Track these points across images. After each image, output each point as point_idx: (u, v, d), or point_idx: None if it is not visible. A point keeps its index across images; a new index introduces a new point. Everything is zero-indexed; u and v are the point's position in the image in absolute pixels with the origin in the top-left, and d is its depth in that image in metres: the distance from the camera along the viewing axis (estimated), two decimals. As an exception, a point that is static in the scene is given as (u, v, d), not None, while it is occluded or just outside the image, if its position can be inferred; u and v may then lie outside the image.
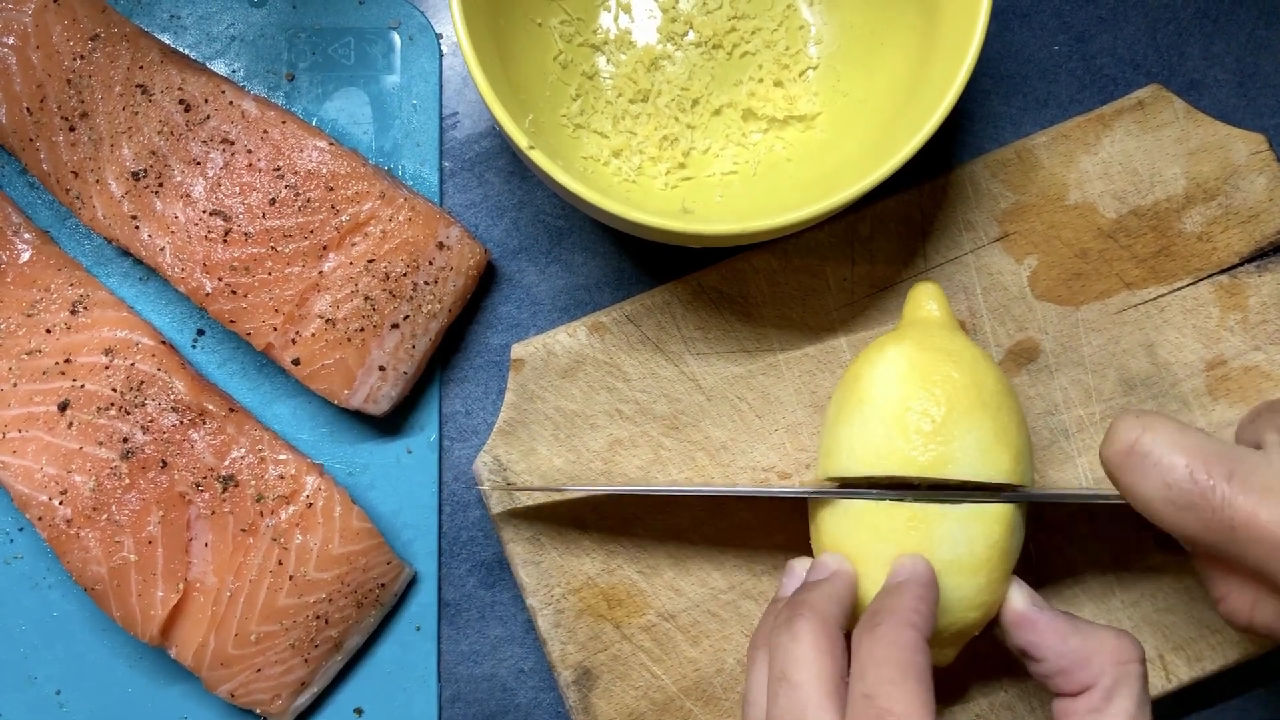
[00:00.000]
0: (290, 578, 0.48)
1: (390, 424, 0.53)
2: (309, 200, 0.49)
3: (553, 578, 0.50)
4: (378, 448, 0.53)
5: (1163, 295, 0.51)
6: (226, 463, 0.49)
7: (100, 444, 0.48)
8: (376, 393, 0.50)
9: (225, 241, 0.49)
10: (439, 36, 0.54)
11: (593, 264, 0.54)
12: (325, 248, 0.49)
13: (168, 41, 0.53)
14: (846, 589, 0.41)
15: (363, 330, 0.49)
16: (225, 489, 0.49)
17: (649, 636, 0.50)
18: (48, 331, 0.50)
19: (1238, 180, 0.51)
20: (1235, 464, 0.36)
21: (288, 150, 0.49)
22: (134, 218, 0.49)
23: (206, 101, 0.50)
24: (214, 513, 0.49)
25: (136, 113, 0.50)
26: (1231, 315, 0.50)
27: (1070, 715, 0.39)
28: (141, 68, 0.50)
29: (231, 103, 0.50)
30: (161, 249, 0.49)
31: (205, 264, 0.49)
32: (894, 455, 0.42)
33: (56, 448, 0.48)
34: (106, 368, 0.49)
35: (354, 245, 0.49)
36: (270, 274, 0.49)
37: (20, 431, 0.49)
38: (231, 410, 0.50)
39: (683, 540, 0.50)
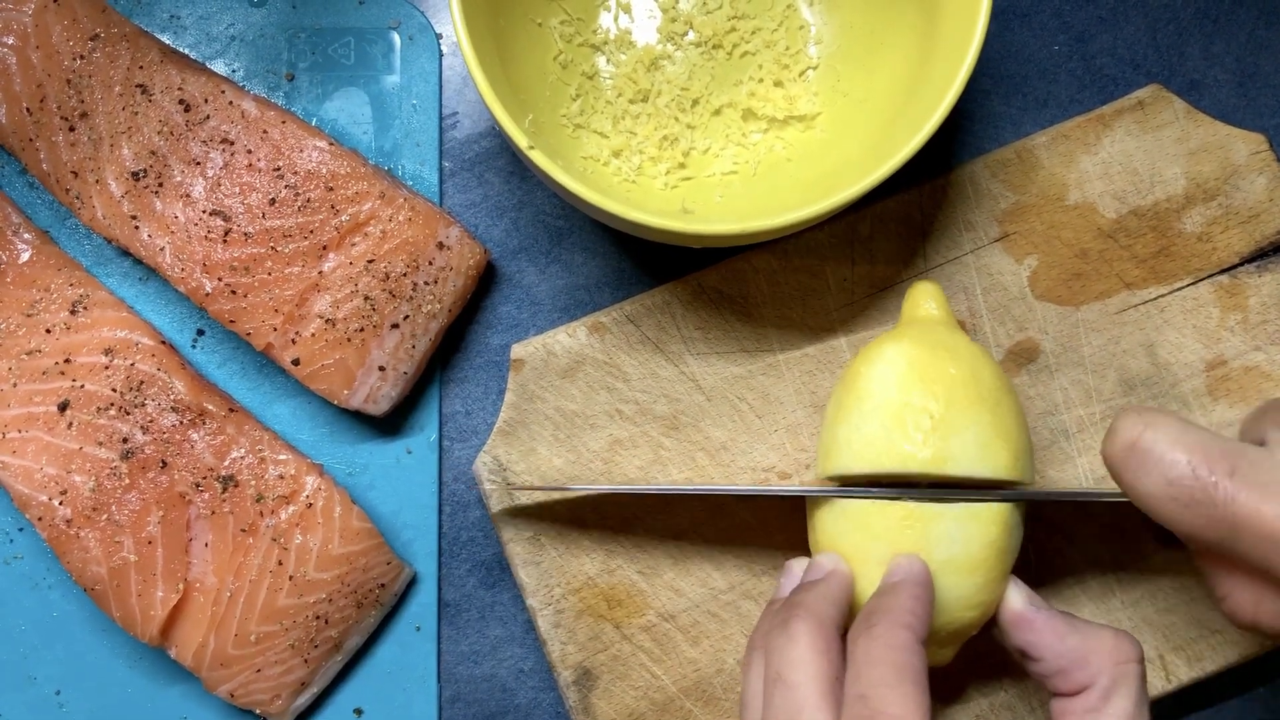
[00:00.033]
0: (290, 578, 0.48)
1: (390, 424, 0.53)
2: (309, 200, 0.49)
3: (553, 578, 0.50)
4: (378, 448, 0.53)
5: (1163, 295, 0.51)
6: (226, 463, 0.49)
7: (100, 444, 0.48)
8: (376, 393, 0.50)
9: (225, 241, 0.49)
10: (439, 36, 0.54)
11: (593, 264, 0.54)
12: (325, 248, 0.49)
13: (168, 41, 0.53)
14: (842, 589, 0.41)
15: (363, 330, 0.49)
16: (225, 489, 0.49)
17: (649, 636, 0.50)
18: (47, 331, 0.50)
19: (1238, 180, 0.51)
20: (1237, 460, 0.36)
21: (288, 150, 0.49)
22: (134, 218, 0.49)
23: (206, 101, 0.50)
24: (214, 513, 0.49)
25: (136, 113, 0.50)
26: (1232, 315, 0.50)
27: (1068, 715, 0.39)
28: (141, 68, 0.50)
29: (231, 103, 0.50)
30: (161, 249, 0.49)
31: (205, 264, 0.49)
32: (893, 452, 0.42)
33: (56, 448, 0.48)
34: (106, 368, 0.49)
35: (354, 245, 0.49)
36: (270, 274, 0.49)
37: (20, 431, 0.49)
38: (231, 410, 0.50)
39: (683, 540, 0.50)
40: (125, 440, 0.48)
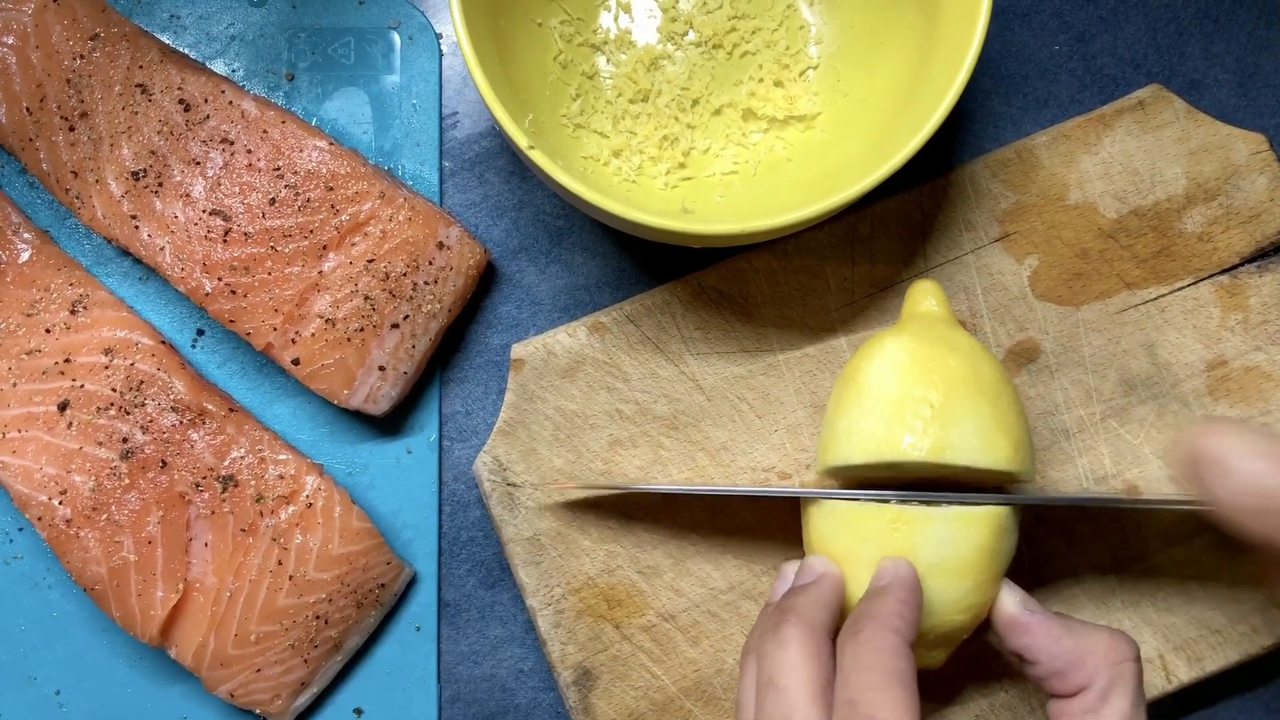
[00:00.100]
0: (290, 578, 0.48)
1: (390, 424, 0.53)
2: (309, 200, 0.49)
3: (553, 578, 0.50)
4: (378, 448, 0.53)
5: (1163, 295, 0.51)
6: (226, 463, 0.49)
7: (100, 444, 0.48)
8: (376, 393, 0.50)
9: (225, 241, 0.49)
10: (439, 36, 0.54)
11: (593, 264, 0.54)
12: (325, 247, 0.49)
13: (167, 41, 0.53)
14: (833, 593, 0.41)
15: (363, 330, 0.49)
16: (225, 489, 0.49)
17: (649, 637, 0.50)
18: (47, 331, 0.50)
19: (1238, 180, 0.51)
20: None
21: (288, 150, 0.49)
22: (134, 217, 0.49)
23: (206, 101, 0.50)
24: (214, 513, 0.49)
25: (136, 112, 0.50)
26: (1232, 315, 0.50)
27: (1066, 716, 0.39)
28: (141, 67, 0.50)
29: (231, 102, 0.50)
30: (161, 249, 0.49)
31: (205, 264, 0.49)
32: (893, 442, 0.42)
33: (56, 448, 0.48)
34: (106, 368, 0.49)
35: (354, 245, 0.49)
36: (270, 274, 0.49)
37: (20, 431, 0.49)
38: (231, 410, 0.50)
39: (683, 540, 0.50)
40: (125, 440, 0.48)
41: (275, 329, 0.49)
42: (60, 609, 0.52)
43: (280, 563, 0.48)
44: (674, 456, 0.50)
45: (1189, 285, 0.51)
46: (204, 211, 0.49)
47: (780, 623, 0.39)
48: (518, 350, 0.50)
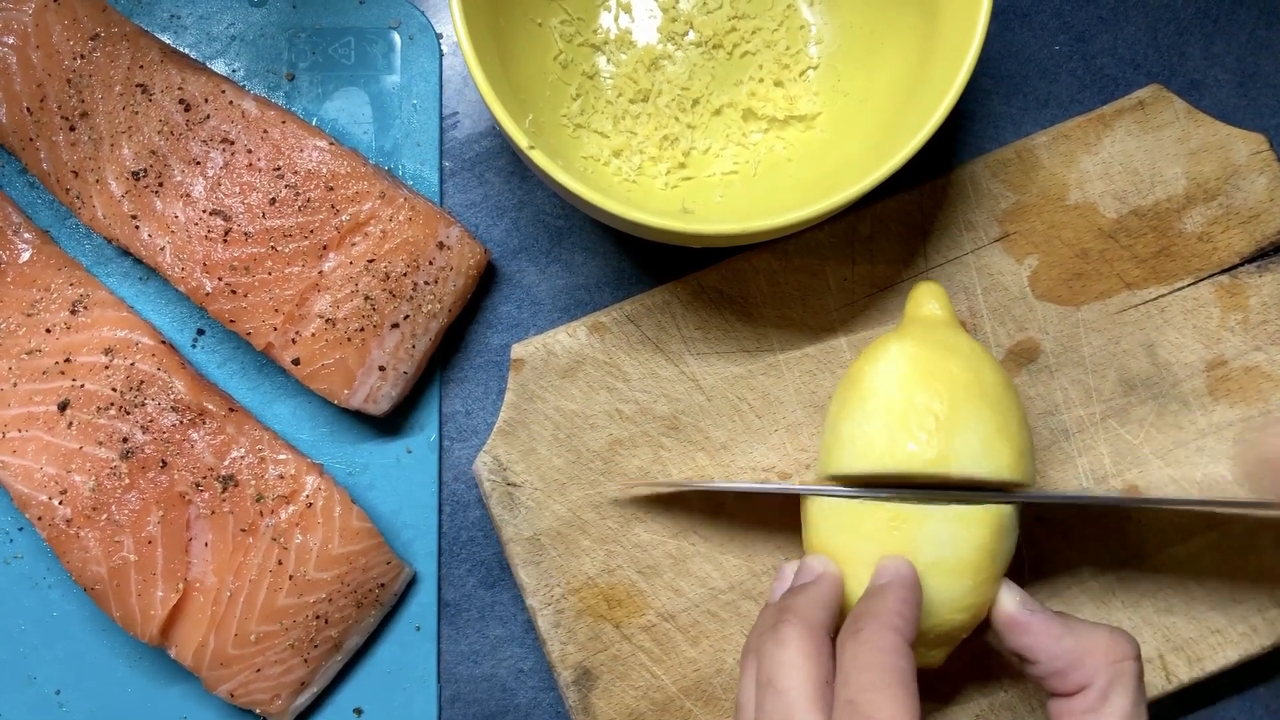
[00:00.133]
0: (290, 578, 0.48)
1: (390, 424, 0.53)
2: (309, 200, 0.49)
3: (553, 578, 0.50)
4: (378, 448, 0.53)
5: (1163, 295, 0.51)
6: (226, 463, 0.49)
7: (100, 444, 0.48)
8: (376, 393, 0.50)
9: (225, 241, 0.49)
10: (439, 36, 0.54)
11: (593, 264, 0.54)
12: (325, 247, 0.49)
13: (168, 41, 0.53)
14: (832, 592, 0.41)
15: (363, 330, 0.49)
16: (225, 489, 0.49)
17: (649, 636, 0.50)
18: (47, 331, 0.50)
19: (1238, 180, 0.51)
20: None
21: (288, 150, 0.49)
22: (134, 217, 0.49)
23: (206, 101, 0.50)
24: (214, 513, 0.49)
25: (136, 112, 0.50)
26: (1232, 315, 0.50)
27: (1066, 716, 0.39)
28: (141, 67, 0.50)
29: (231, 102, 0.50)
30: (161, 249, 0.49)
31: (205, 264, 0.49)
32: (897, 452, 0.42)
33: (56, 447, 0.48)
34: (106, 367, 0.49)
35: (354, 245, 0.49)
36: (270, 274, 0.49)
37: (20, 431, 0.49)
38: (231, 410, 0.50)
39: (683, 540, 0.50)
40: (125, 440, 0.48)
41: (275, 329, 0.49)
42: (60, 609, 0.52)
43: (280, 562, 0.48)
44: (674, 456, 0.50)
45: (1189, 285, 0.51)
46: (204, 211, 0.49)
47: (779, 623, 0.39)
48: (518, 350, 0.50)
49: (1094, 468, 0.50)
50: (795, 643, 0.38)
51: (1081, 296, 0.51)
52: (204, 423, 0.49)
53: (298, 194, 0.49)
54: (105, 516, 0.48)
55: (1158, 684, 0.49)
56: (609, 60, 0.52)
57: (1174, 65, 0.54)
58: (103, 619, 0.52)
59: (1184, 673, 0.49)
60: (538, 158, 0.42)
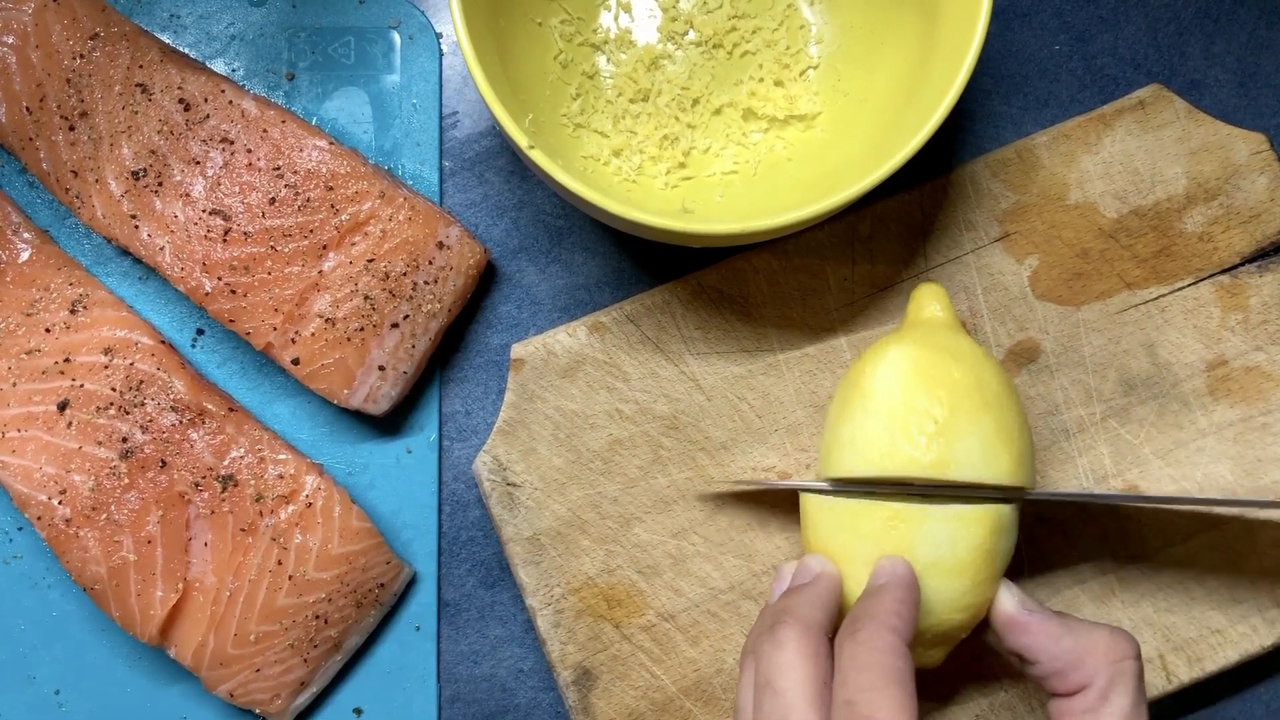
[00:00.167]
0: (290, 577, 0.48)
1: (390, 424, 0.53)
2: (309, 200, 0.49)
3: (552, 578, 0.50)
4: (378, 447, 0.53)
5: (1164, 295, 0.51)
6: (226, 462, 0.49)
7: (99, 443, 0.48)
8: (376, 392, 0.50)
9: (225, 241, 0.49)
10: (439, 36, 0.54)
11: (593, 264, 0.54)
12: (325, 247, 0.49)
13: (167, 40, 0.53)
14: (830, 592, 0.41)
15: (362, 330, 0.49)
16: (225, 489, 0.49)
17: (649, 636, 0.50)
18: (47, 331, 0.50)
19: (1239, 180, 0.51)
20: None
21: (287, 150, 0.49)
22: (133, 217, 0.49)
23: (206, 101, 0.50)
24: (213, 512, 0.49)
25: (136, 112, 0.50)
26: (1233, 315, 0.50)
27: (1067, 715, 0.39)
28: (141, 67, 0.50)
29: (231, 102, 0.50)
30: (161, 248, 0.49)
31: (205, 263, 0.49)
32: (896, 455, 0.42)
33: (56, 447, 0.48)
34: (106, 367, 0.49)
35: (354, 245, 0.49)
36: (270, 273, 0.49)
37: (19, 431, 0.49)
38: (231, 410, 0.50)
39: (682, 540, 0.50)
40: (125, 440, 0.48)
41: (275, 328, 0.49)
42: (60, 608, 0.52)
43: (280, 562, 0.48)
44: (674, 456, 0.50)
45: (1189, 285, 0.51)
46: (204, 211, 0.49)
47: (776, 624, 0.39)
48: (518, 350, 0.50)
49: (1094, 468, 0.50)
50: (793, 644, 0.38)
51: (1082, 296, 0.51)
52: (203, 422, 0.49)
53: (297, 194, 0.49)
54: (105, 516, 0.48)
55: (1158, 684, 0.49)
56: (609, 60, 0.52)
57: (1174, 65, 0.54)
58: (102, 619, 0.52)
59: (1184, 673, 0.49)
60: (538, 157, 0.42)
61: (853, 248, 0.51)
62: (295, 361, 0.49)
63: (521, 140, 0.42)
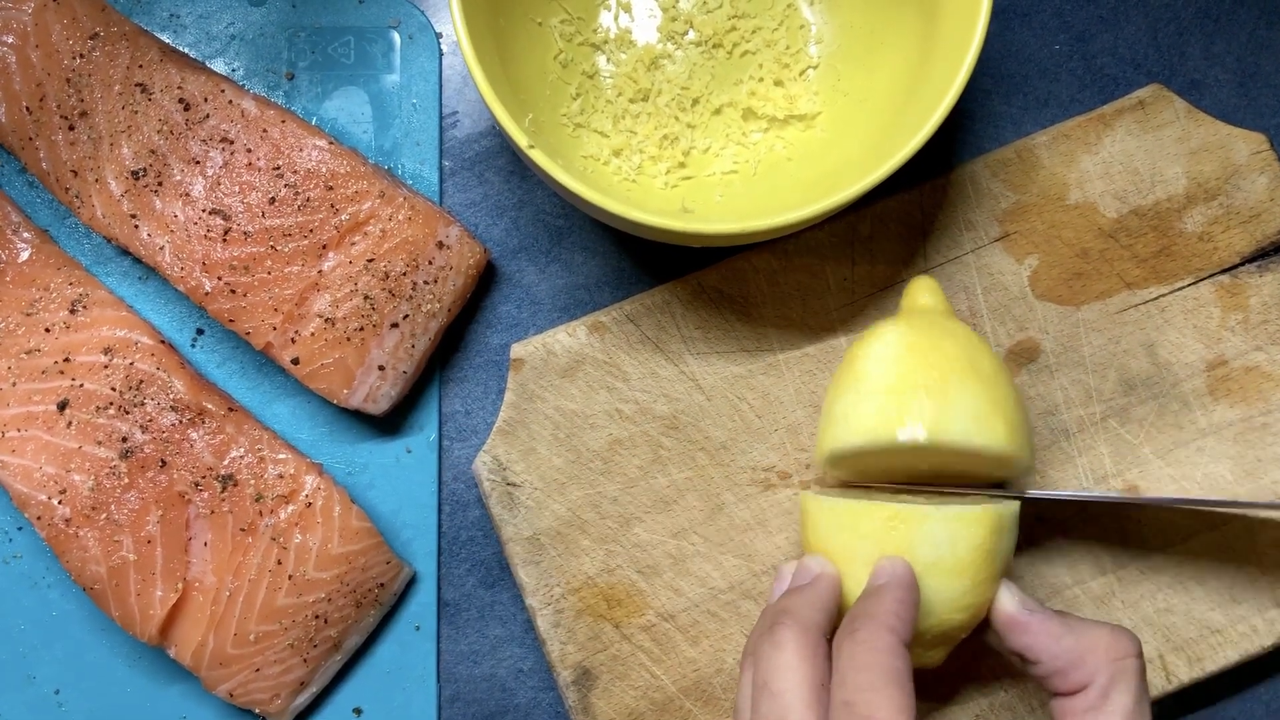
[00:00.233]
0: (289, 577, 0.48)
1: (390, 424, 0.53)
2: (308, 199, 0.49)
3: (552, 578, 0.50)
4: (377, 447, 0.53)
5: (1164, 295, 0.51)
6: (226, 462, 0.49)
7: (99, 443, 0.48)
8: (376, 392, 0.50)
9: (225, 241, 0.49)
10: (439, 36, 0.54)
11: (593, 264, 0.54)
12: (325, 247, 0.49)
13: (167, 40, 0.53)
14: (829, 593, 0.41)
15: (362, 330, 0.49)
16: (224, 488, 0.49)
17: (648, 636, 0.50)
18: (47, 330, 0.50)
19: (1239, 180, 0.51)
20: None
21: (287, 149, 0.49)
22: (133, 217, 0.49)
23: (206, 100, 0.50)
24: (213, 512, 0.49)
25: (136, 112, 0.50)
26: (1233, 315, 0.50)
27: (1068, 715, 0.39)
28: (141, 66, 0.50)
29: (231, 102, 0.50)
30: (161, 248, 0.49)
31: (204, 263, 0.49)
32: (890, 425, 0.42)
33: (55, 447, 0.48)
34: (105, 367, 0.49)
35: (353, 244, 0.49)
36: (270, 273, 0.49)
37: (19, 431, 0.49)
38: (231, 410, 0.50)
39: (683, 540, 0.50)
40: (124, 439, 0.48)
41: (275, 328, 0.49)
42: (60, 608, 0.52)
43: (280, 562, 0.48)
44: (674, 456, 0.50)
45: (1189, 285, 0.51)
46: (204, 211, 0.49)
47: (775, 625, 0.39)
48: (517, 350, 0.50)
49: (1094, 468, 0.50)
50: (791, 645, 0.38)
51: (1082, 296, 0.51)
52: (203, 422, 0.49)
53: (297, 193, 0.49)
54: (104, 516, 0.48)
55: (1158, 684, 0.49)
56: (609, 60, 0.52)
57: (1174, 65, 0.54)
58: (102, 618, 0.52)
59: (1184, 673, 0.49)
60: (537, 157, 0.42)
61: (853, 248, 0.51)
62: (295, 361, 0.49)
63: (521, 140, 0.42)
